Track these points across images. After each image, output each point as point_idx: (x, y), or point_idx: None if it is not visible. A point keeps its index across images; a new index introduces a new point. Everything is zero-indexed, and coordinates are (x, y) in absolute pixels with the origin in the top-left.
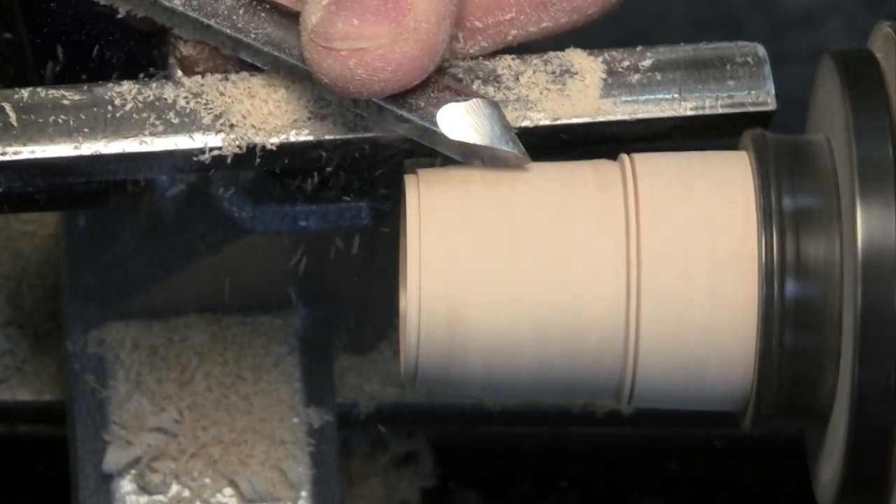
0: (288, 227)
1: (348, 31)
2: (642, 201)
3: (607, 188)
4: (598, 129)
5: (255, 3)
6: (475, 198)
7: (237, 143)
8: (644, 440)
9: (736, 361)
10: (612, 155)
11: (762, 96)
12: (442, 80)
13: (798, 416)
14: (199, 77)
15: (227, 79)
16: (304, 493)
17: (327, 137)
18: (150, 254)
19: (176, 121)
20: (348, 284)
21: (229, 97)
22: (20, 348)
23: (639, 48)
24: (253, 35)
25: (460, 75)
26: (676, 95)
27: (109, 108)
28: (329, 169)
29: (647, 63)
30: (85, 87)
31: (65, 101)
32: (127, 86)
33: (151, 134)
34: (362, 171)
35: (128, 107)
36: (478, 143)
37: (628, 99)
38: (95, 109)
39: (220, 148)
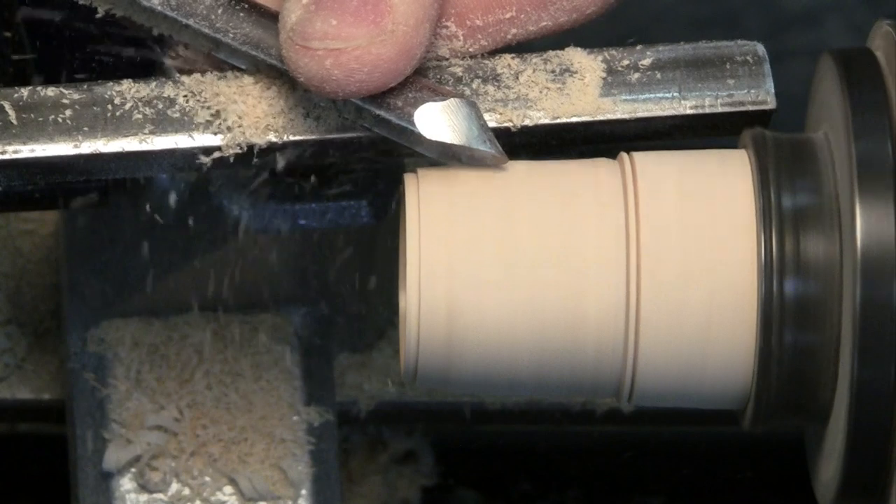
0: (288, 226)
1: (326, 30)
2: (642, 200)
3: (607, 187)
4: (598, 127)
5: (233, 2)
6: (475, 197)
7: (236, 142)
8: (644, 439)
9: (736, 360)
10: (612, 154)
11: (762, 95)
12: (420, 81)
13: (798, 414)
14: (198, 76)
15: (224, 77)
16: (303, 492)
17: (328, 137)
18: (150, 252)
19: (176, 120)
20: (348, 283)
21: (224, 97)
22: (20, 346)
23: (638, 47)
24: (231, 35)
25: (460, 73)
26: (676, 94)
27: (109, 106)
28: (330, 166)
29: (646, 62)
30: (84, 86)
31: (64, 100)
32: (126, 85)
33: (151, 133)
34: (362, 169)
35: (127, 106)
36: (455, 142)
37: (628, 98)
38: (95, 108)
39: (219, 147)
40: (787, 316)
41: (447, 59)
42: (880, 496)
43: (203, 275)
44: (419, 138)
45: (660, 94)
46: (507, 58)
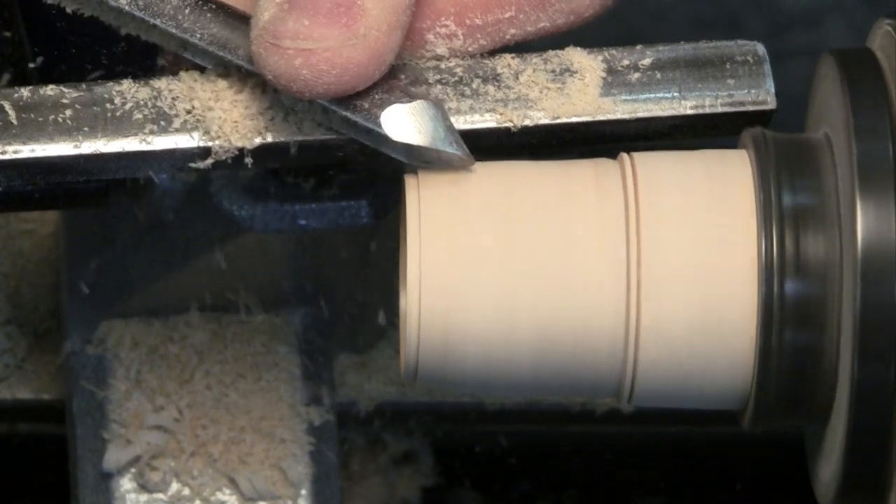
0: (288, 226)
1: (298, 30)
2: (642, 200)
3: (607, 187)
4: (598, 127)
5: (200, 3)
6: (474, 197)
7: (236, 142)
8: (644, 439)
9: (736, 360)
10: (612, 154)
11: (762, 95)
12: (388, 82)
13: (798, 414)
14: (197, 75)
15: (226, 75)
16: (303, 492)
17: (328, 136)
18: (150, 252)
19: (176, 120)
20: (348, 283)
21: (222, 99)
22: (20, 347)
23: (638, 47)
24: (199, 35)
25: (460, 74)
26: (676, 94)
27: (109, 106)
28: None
29: (646, 62)
30: (84, 86)
31: (64, 100)
32: (127, 85)
33: (151, 133)
34: (362, 169)
35: (128, 106)
36: (421, 144)
37: (628, 98)
38: (95, 108)
39: (219, 147)
40: (787, 316)
41: (446, 58)
42: (880, 496)
43: (203, 275)
44: (385, 140)
45: (660, 94)
46: (508, 58)
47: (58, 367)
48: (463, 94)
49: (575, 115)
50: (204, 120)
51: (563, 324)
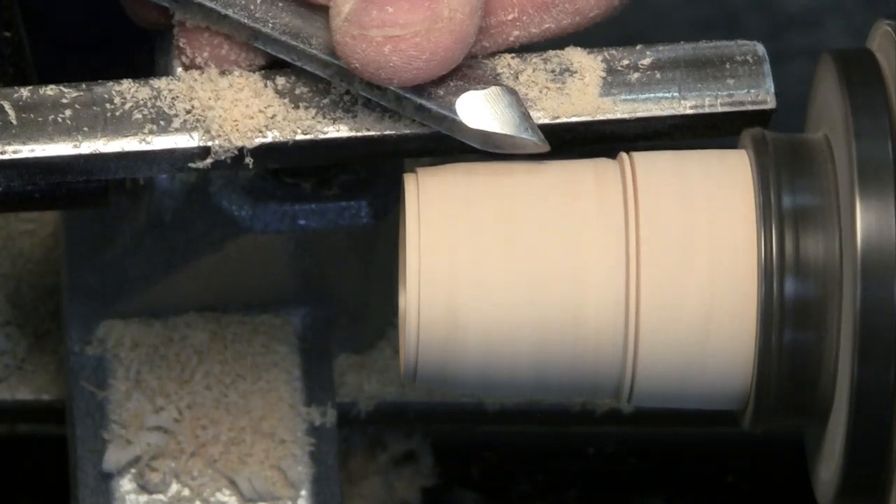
0: (287, 226)
1: (384, 18)
2: (642, 200)
3: (607, 187)
4: (598, 127)
5: None
6: (474, 196)
7: (236, 141)
8: (644, 439)
9: (735, 360)
10: (612, 153)
11: (762, 95)
12: (460, 69)
13: (797, 414)
14: (197, 75)
15: (226, 74)
16: (303, 492)
17: (330, 136)
18: (150, 253)
19: (176, 120)
20: (348, 284)
21: (222, 98)
22: (20, 347)
23: (638, 47)
24: (271, 24)
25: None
26: (676, 94)
27: (109, 106)
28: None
29: (646, 62)
30: (84, 86)
31: (64, 100)
32: (126, 84)
33: (151, 133)
34: (362, 169)
35: (127, 105)
36: (497, 131)
37: (628, 97)
38: (95, 108)
39: (219, 147)
40: (787, 316)
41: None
42: (880, 496)
43: (203, 275)
44: (461, 127)
45: (660, 94)
46: (507, 57)
47: (58, 368)
48: None
49: (575, 115)
50: (204, 119)
51: (563, 323)
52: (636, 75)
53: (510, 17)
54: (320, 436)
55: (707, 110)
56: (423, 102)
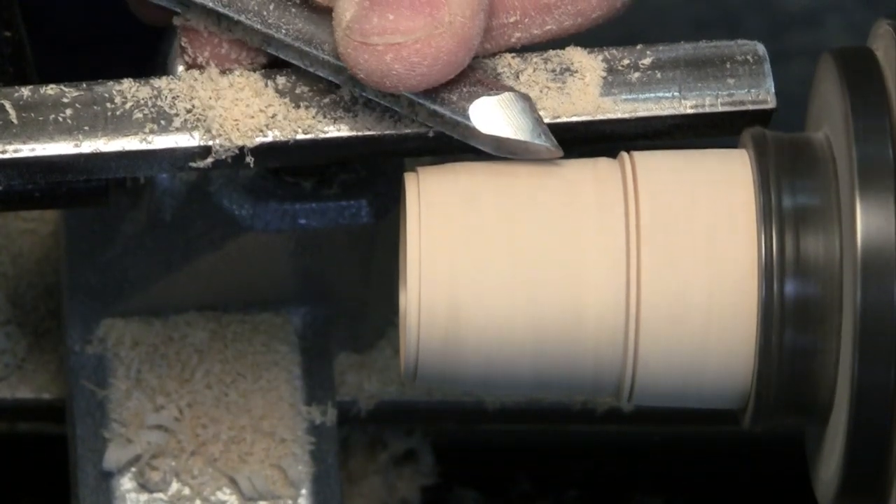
0: (288, 225)
1: (384, 25)
2: (642, 200)
3: (607, 187)
4: (598, 127)
5: None
6: (475, 196)
7: (237, 141)
8: (644, 438)
9: (736, 359)
10: (612, 153)
11: (762, 94)
12: (473, 75)
13: (798, 414)
14: (197, 74)
15: (226, 73)
16: (303, 491)
17: (330, 135)
18: (150, 252)
19: (176, 119)
20: (348, 283)
21: (222, 97)
22: (20, 346)
23: (639, 46)
24: (284, 30)
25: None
26: (676, 94)
27: (109, 106)
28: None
29: (647, 61)
30: (85, 85)
31: (65, 99)
32: (127, 84)
33: (152, 132)
34: (362, 169)
35: (128, 105)
36: (511, 137)
37: (628, 97)
38: (96, 107)
39: (219, 146)
40: (787, 316)
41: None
42: (880, 496)
43: (203, 274)
44: (474, 133)
45: (660, 94)
46: (508, 57)
47: (58, 367)
48: None
49: (575, 115)
50: (204, 119)
51: (563, 323)
52: (637, 75)
53: (512, 19)
54: (320, 435)
55: (707, 110)
56: (436, 108)
